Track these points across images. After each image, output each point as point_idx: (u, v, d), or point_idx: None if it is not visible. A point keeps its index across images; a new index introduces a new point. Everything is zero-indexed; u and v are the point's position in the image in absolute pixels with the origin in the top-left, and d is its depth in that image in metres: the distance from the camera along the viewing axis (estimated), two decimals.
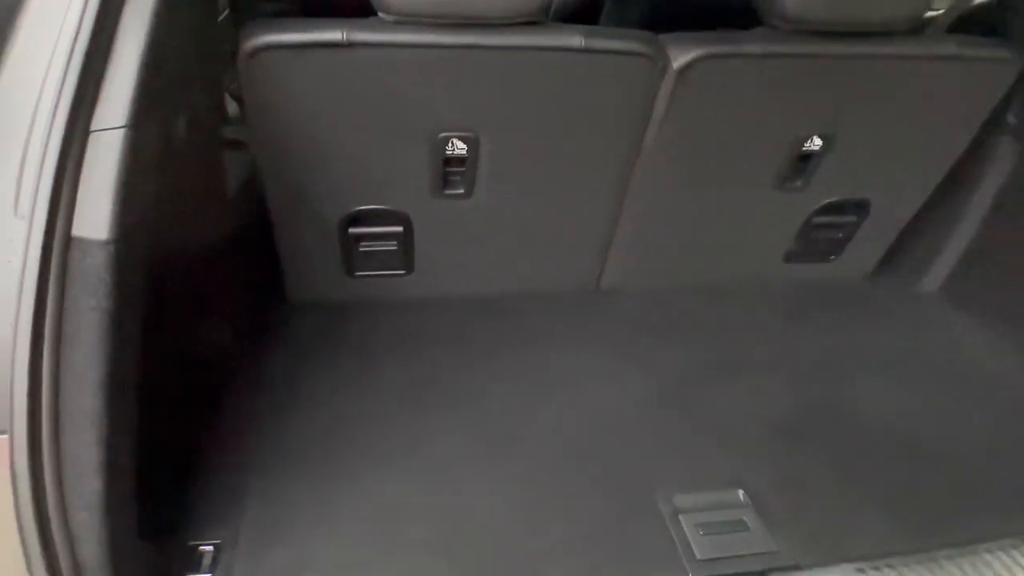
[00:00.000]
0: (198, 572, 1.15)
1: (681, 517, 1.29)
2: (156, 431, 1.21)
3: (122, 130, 0.93)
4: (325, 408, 1.50)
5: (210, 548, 1.19)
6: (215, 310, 1.63)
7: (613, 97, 1.47)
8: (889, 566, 1.20)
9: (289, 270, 1.75)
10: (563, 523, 1.27)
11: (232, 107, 1.60)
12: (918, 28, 1.62)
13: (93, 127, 0.92)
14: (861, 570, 1.19)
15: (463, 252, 1.77)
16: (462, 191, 1.60)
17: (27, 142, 0.88)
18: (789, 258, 1.96)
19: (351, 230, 1.65)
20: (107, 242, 0.91)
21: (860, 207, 1.85)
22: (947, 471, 1.43)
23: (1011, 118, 1.72)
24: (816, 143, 1.64)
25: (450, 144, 1.50)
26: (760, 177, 1.70)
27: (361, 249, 1.71)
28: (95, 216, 0.91)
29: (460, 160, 1.54)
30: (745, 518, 1.30)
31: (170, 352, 1.48)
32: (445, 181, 1.58)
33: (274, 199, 1.58)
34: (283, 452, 1.38)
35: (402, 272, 1.78)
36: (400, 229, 1.67)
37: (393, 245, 1.71)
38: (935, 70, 1.53)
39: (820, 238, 1.92)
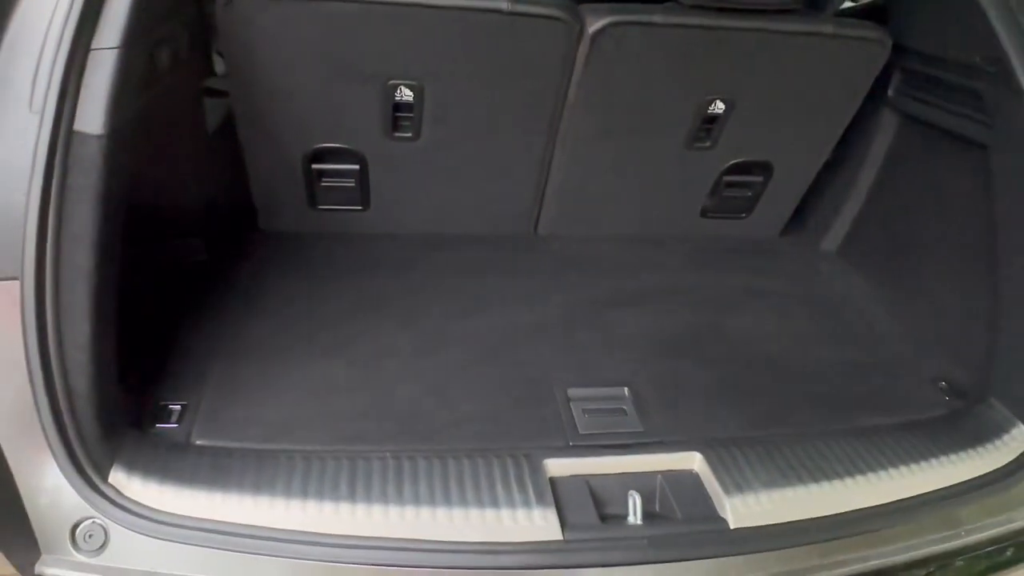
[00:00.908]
0: (167, 422, 1.41)
1: (572, 404, 1.56)
2: (138, 308, 1.47)
3: (116, 50, 1.18)
4: (281, 313, 1.75)
5: (177, 407, 1.44)
6: (192, 228, 1.88)
7: (537, 56, 1.73)
8: (736, 446, 1.46)
9: (260, 201, 2.01)
10: (471, 403, 1.53)
11: (220, 65, 1.85)
12: (820, 8, 1.87)
13: (93, 46, 1.17)
14: (711, 446, 1.44)
15: (413, 191, 2.02)
16: (410, 135, 1.85)
17: (40, 54, 1.13)
18: (704, 213, 2.22)
19: (314, 166, 1.91)
20: (101, 136, 1.16)
21: (764, 168, 2.11)
22: (796, 381, 1.70)
23: (891, 92, 1.98)
24: (719, 107, 1.90)
25: (398, 91, 1.76)
26: (672, 135, 1.96)
27: (323, 184, 1.96)
28: (92, 115, 1.16)
29: (408, 106, 1.79)
30: (624, 407, 1.56)
31: (151, 254, 1.74)
32: (395, 124, 1.83)
33: (246, 135, 1.83)
34: (241, 342, 1.63)
35: (360, 208, 2.04)
36: (357, 167, 1.93)
37: (351, 182, 1.97)
38: (817, 46, 1.80)
39: (732, 196, 2.18)
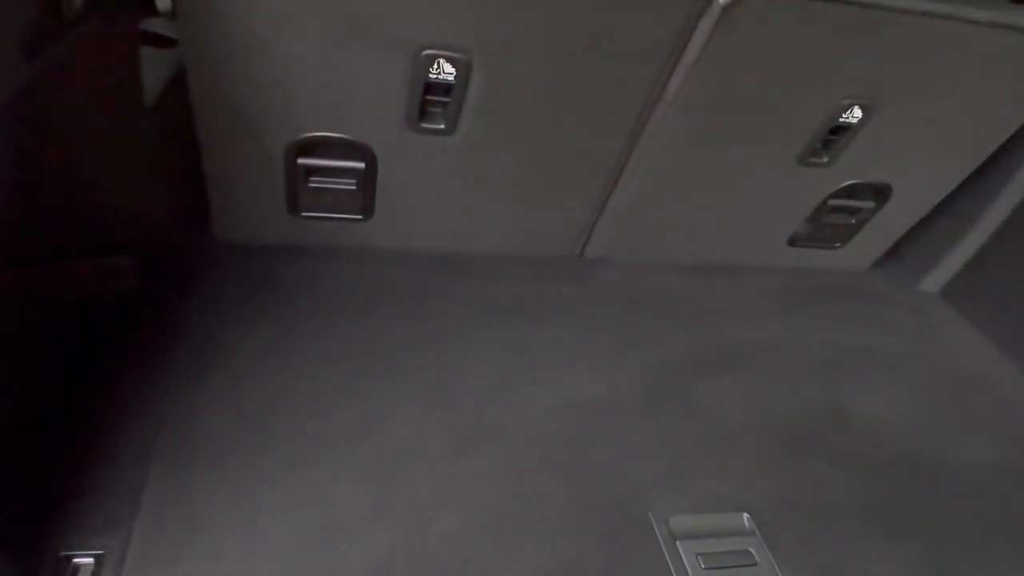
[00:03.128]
0: None
1: (679, 544, 1.09)
2: (21, 398, 0.92)
3: None
4: (251, 376, 1.22)
5: (89, 561, 0.91)
6: (113, 241, 1.30)
7: (641, 31, 1.20)
8: None
9: (218, 201, 1.43)
10: (539, 545, 1.04)
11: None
12: None
13: None
14: None
15: (435, 200, 1.49)
16: (443, 126, 1.31)
17: None
18: (794, 241, 1.76)
19: (300, 160, 1.35)
20: None
21: (881, 192, 1.65)
22: (957, 493, 1.28)
23: None
24: (856, 114, 1.42)
25: (435, 65, 1.20)
26: (785, 147, 1.47)
27: (311, 185, 1.40)
28: None
29: (445, 87, 1.25)
30: (751, 549, 1.11)
31: (43, 290, 1.16)
32: (423, 112, 1.28)
33: (204, 112, 1.26)
34: (194, 432, 1.09)
35: (359, 217, 1.49)
36: (362, 165, 1.37)
37: (352, 184, 1.41)
38: (994, 40, 1.32)
39: (833, 223, 1.72)
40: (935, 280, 1.88)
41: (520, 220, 1.58)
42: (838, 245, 1.80)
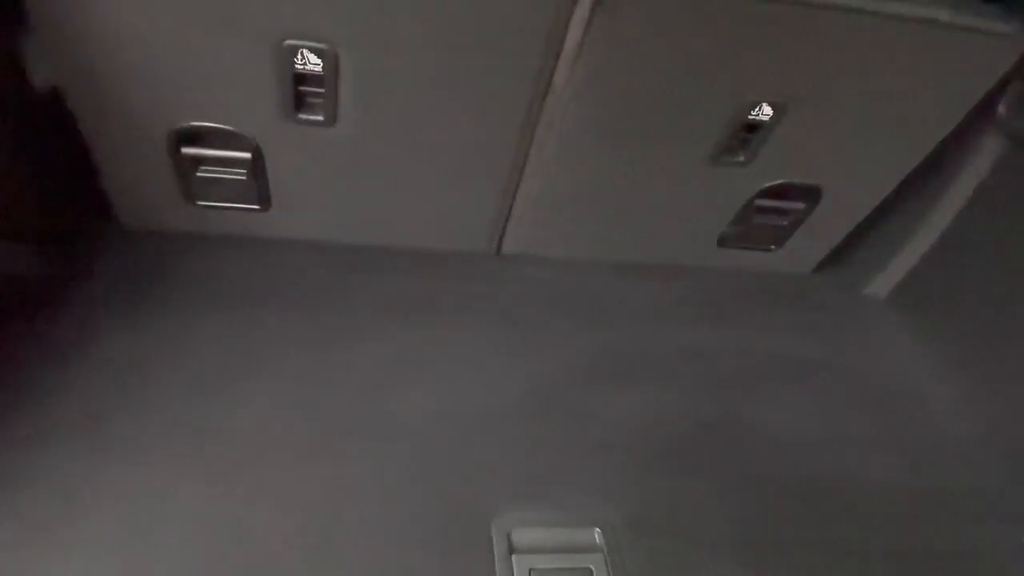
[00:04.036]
0: None
1: (515, 558, 1.05)
2: None
3: None
4: (118, 364, 1.21)
5: None
6: (10, 228, 1.32)
7: (515, 20, 1.15)
8: None
9: (114, 189, 1.43)
10: (365, 553, 1.02)
11: None
12: None
13: None
14: None
15: (333, 191, 1.46)
16: (321, 117, 1.28)
17: None
18: (723, 242, 1.68)
19: (184, 150, 1.33)
20: None
21: (810, 194, 1.57)
22: (848, 519, 1.22)
23: (1002, 109, 1.43)
24: (766, 112, 1.34)
25: (300, 56, 1.17)
26: (694, 145, 1.40)
27: (201, 175, 1.39)
28: None
29: (316, 79, 1.21)
30: (592, 566, 1.06)
31: None
32: (299, 102, 1.26)
33: (80, 101, 1.25)
34: (40, 417, 1.10)
35: (256, 207, 1.47)
36: (248, 156, 1.36)
37: (242, 174, 1.40)
38: (922, 37, 1.23)
39: (761, 224, 1.64)
40: (881, 285, 1.78)
41: (426, 214, 1.54)
42: (772, 248, 1.72)
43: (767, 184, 1.52)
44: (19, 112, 1.27)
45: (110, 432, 1.10)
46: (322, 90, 1.24)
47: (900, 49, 1.26)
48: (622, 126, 1.35)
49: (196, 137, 1.32)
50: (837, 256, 1.80)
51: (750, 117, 1.35)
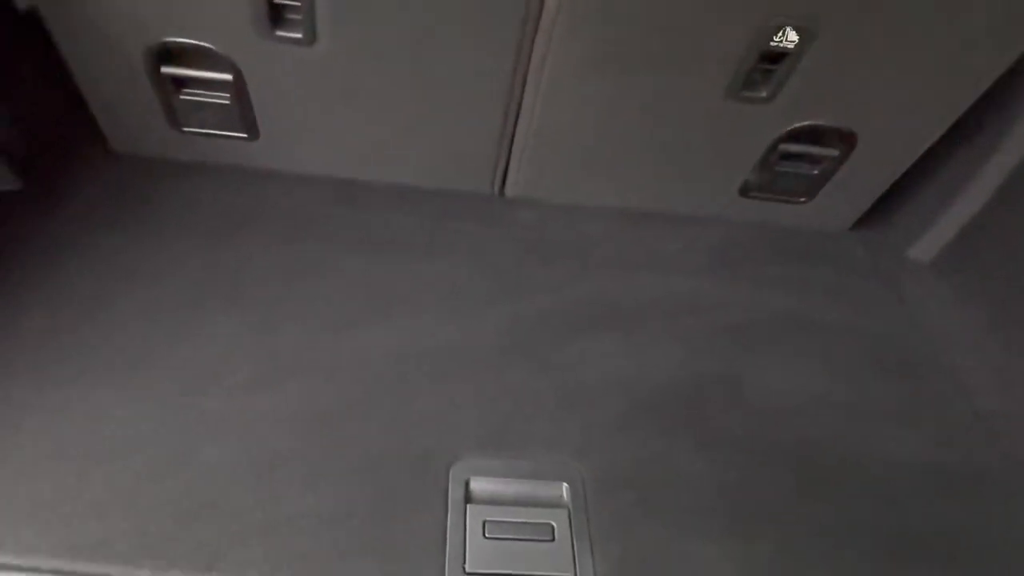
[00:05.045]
0: None
1: (469, 507, 0.97)
2: None
3: None
4: (81, 288, 1.18)
5: None
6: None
7: None
8: None
9: (99, 112, 1.39)
10: (308, 489, 0.96)
11: None
12: None
13: None
14: None
15: (319, 121, 1.39)
16: (299, 35, 1.20)
17: None
18: (746, 191, 1.54)
19: (164, 69, 1.28)
20: None
21: (843, 139, 1.41)
22: (840, 492, 1.09)
23: None
24: (790, 38, 1.20)
25: None
26: (708, 76, 1.26)
27: (183, 97, 1.34)
28: None
29: None
30: (555, 523, 0.98)
31: None
32: (275, 17, 1.18)
33: (56, 19, 1.20)
34: None
35: (243, 135, 1.41)
36: (229, 77, 1.29)
37: (225, 98, 1.34)
38: None
39: (789, 172, 1.49)
40: (925, 248, 1.60)
41: (419, 148, 1.45)
42: (803, 200, 1.57)
43: (794, 125, 1.37)
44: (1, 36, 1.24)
45: (56, 352, 1.07)
46: (299, 3, 1.15)
47: None
48: (624, 51, 1.22)
49: (175, 56, 1.26)
50: (878, 214, 1.63)
51: (772, 43, 1.20)
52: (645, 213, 1.57)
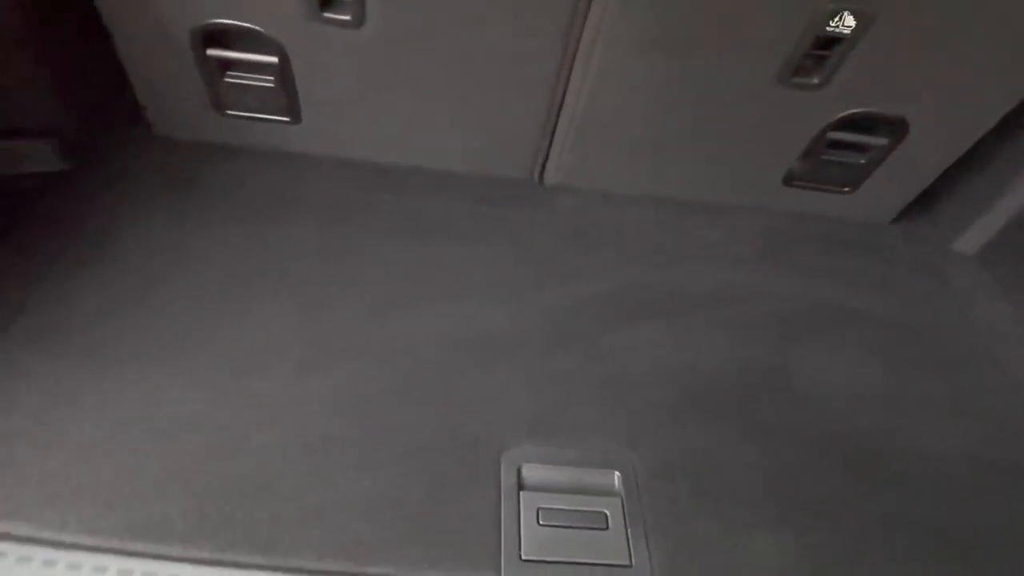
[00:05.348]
0: None
1: (523, 494, 0.97)
2: None
3: None
4: (131, 269, 1.18)
5: None
6: (37, 127, 1.29)
7: None
8: None
9: (144, 95, 1.39)
10: (361, 473, 0.96)
11: None
12: None
13: None
14: None
15: (363, 105, 1.38)
16: (348, 17, 1.19)
17: None
18: (790, 180, 1.52)
19: (209, 51, 1.27)
20: None
21: (895, 128, 1.38)
22: (893, 486, 1.08)
23: None
24: (848, 23, 1.17)
25: None
26: (760, 60, 1.24)
27: (227, 80, 1.33)
28: None
29: None
30: (608, 511, 0.97)
31: None
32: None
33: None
34: (50, 317, 1.08)
35: (286, 119, 1.41)
36: (275, 60, 1.28)
37: (269, 81, 1.33)
38: None
39: (835, 161, 1.47)
40: (971, 240, 1.58)
41: (462, 133, 1.44)
42: (847, 190, 1.55)
43: (845, 113, 1.34)
44: (48, 14, 1.24)
45: (110, 332, 1.07)
46: None
47: None
48: (675, 36, 1.20)
49: (222, 38, 1.26)
50: (923, 205, 1.61)
51: (828, 28, 1.18)
52: (685, 201, 1.55)
